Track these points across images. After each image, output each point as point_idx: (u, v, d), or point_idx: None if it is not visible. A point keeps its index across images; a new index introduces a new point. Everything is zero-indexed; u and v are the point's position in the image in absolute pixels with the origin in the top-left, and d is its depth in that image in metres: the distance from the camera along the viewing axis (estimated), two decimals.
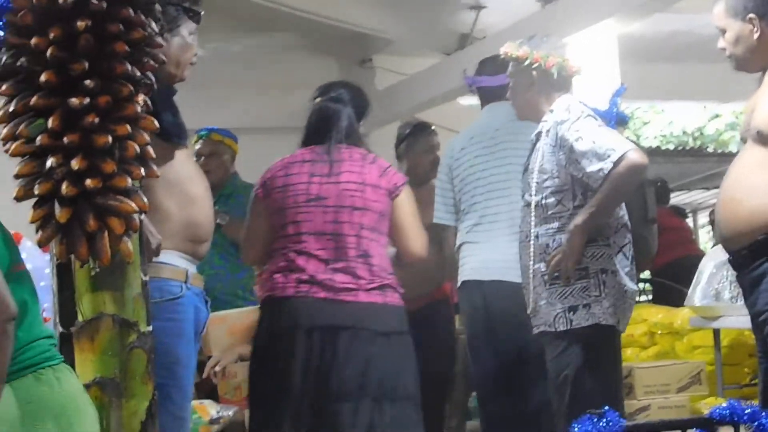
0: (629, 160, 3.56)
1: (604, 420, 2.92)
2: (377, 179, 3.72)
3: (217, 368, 4.42)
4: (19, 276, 2.30)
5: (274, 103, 8.27)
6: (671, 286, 6.73)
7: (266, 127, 8.05)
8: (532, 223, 3.75)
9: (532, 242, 3.74)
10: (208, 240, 3.25)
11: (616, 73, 6.11)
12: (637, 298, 4.60)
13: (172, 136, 3.06)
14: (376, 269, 3.66)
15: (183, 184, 3.16)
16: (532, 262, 3.74)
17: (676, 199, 10.36)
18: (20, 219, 5.61)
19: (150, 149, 2.35)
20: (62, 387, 2.26)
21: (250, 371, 3.74)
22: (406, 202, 3.77)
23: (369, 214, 3.69)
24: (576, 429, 2.92)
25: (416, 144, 5.18)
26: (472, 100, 5.42)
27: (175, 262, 3.13)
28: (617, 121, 3.97)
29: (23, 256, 5.78)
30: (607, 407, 2.93)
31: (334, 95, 3.87)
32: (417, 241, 3.79)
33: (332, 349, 3.57)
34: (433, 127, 5.33)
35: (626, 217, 3.75)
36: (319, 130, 3.81)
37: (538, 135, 3.82)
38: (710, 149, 13.49)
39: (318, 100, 3.89)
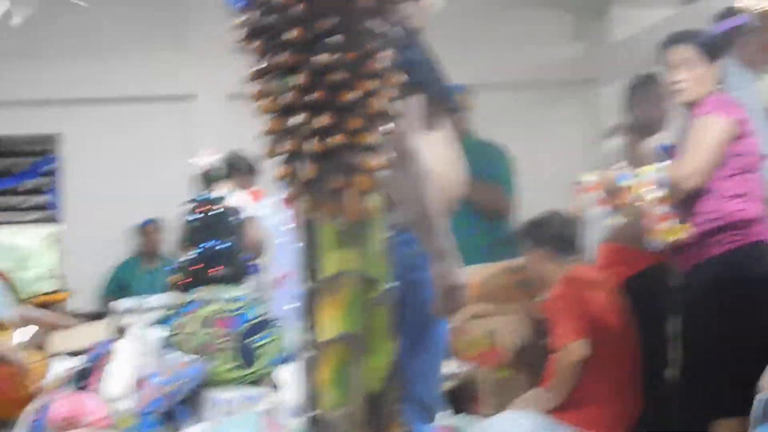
0: None
1: None
2: None
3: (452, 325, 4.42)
4: None
5: (506, 58, 8.19)
6: None
7: (498, 82, 7.99)
8: None
9: None
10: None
11: None
12: None
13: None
14: None
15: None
16: None
17: None
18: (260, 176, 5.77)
19: (394, 105, 2.34)
20: None
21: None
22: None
23: None
24: None
25: (642, 96, 5.03)
26: None
27: None
28: None
29: (262, 212, 5.95)
30: None
31: None
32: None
33: None
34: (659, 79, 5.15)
35: None
36: None
37: None
38: None
39: None
